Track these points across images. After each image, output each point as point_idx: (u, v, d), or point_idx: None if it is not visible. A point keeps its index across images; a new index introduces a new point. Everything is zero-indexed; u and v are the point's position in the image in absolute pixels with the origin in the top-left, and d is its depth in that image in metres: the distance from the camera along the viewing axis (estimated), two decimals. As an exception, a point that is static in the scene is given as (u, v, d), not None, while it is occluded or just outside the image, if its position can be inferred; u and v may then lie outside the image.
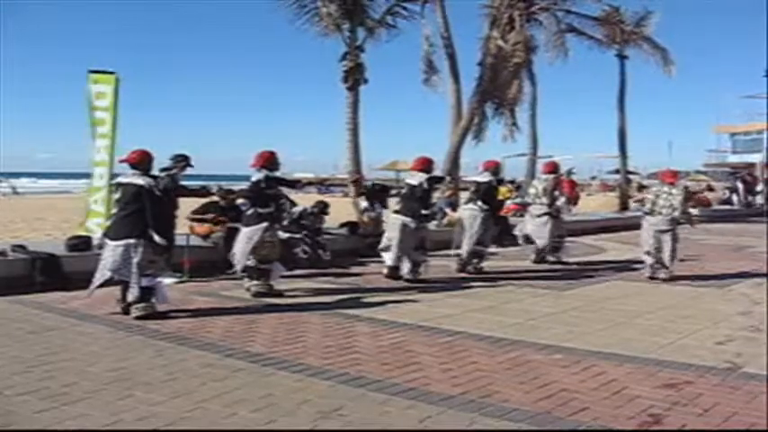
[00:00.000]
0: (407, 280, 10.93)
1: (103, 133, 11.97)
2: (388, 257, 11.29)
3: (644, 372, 6.17)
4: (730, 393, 5.59)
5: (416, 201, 11.17)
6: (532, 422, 4.92)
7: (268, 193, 9.88)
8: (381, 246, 11.42)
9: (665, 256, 11.56)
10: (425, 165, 11.53)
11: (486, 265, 12.52)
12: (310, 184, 71.22)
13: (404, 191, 11.49)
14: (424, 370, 6.17)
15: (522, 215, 18.39)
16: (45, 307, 8.78)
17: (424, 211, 11.30)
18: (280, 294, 9.69)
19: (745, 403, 5.34)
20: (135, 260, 8.17)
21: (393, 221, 11.38)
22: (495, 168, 12.88)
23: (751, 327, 8.04)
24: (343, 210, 16.98)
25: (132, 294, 8.16)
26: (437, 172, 12.19)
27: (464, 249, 12.29)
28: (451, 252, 12.59)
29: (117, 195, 8.63)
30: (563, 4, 26.64)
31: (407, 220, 11.09)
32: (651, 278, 11.54)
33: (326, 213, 13.82)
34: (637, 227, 20.92)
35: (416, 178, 11.31)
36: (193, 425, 4.81)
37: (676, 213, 11.57)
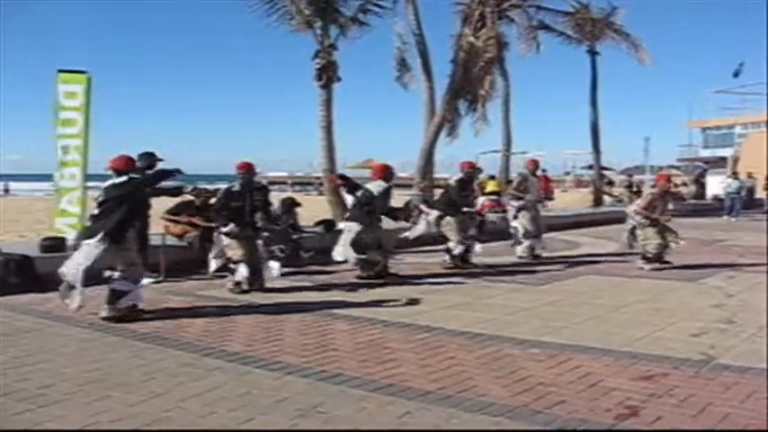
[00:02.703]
0: (363, 277, 11.09)
1: (74, 133, 11.90)
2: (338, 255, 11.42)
3: (620, 365, 6.22)
4: (705, 384, 5.65)
5: (365, 207, 11.31)
6: (510, 416, 4.95)
7: (235, 205, 10.10)
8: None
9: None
10: (385, 173, 11.65)
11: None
12: (284, 183, 71.38)
13: (359, 194, 11.58)
14: (402, 366, 6.19)
15: (497, 212, 18.55)
16: (19, 309, 8.72)
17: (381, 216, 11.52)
18: (247, 292, 9.87)
19: (720, 394, 5.40)
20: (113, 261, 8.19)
21: (346, 227, 11.50)
22: (468, 169, 13.00)
23: (724, 319, 8.13)
24: (318, 208, 16.98)
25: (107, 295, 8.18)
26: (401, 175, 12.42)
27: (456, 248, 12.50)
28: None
29: (101, 198, 8.42)
30: (533, 1, 26.84)
31: (352, 225, 11.23)
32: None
33: (297, 205, 13.85)
34: (610, 221, 21.14)
35: (376, 187, 11.39)
36: (172, 425, 4.79)
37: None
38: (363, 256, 11.06)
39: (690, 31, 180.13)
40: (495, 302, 9.26)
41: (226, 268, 10.19)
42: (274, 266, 10.35)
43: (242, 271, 9.94)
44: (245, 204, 10.09)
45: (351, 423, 4.82)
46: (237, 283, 9.96)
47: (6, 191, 62.60)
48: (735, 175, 29.36)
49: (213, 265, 10.35)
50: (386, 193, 11.38)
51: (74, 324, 7.88)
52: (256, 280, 10.08)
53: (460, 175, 12.89)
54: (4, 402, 5.22)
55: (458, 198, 12.68)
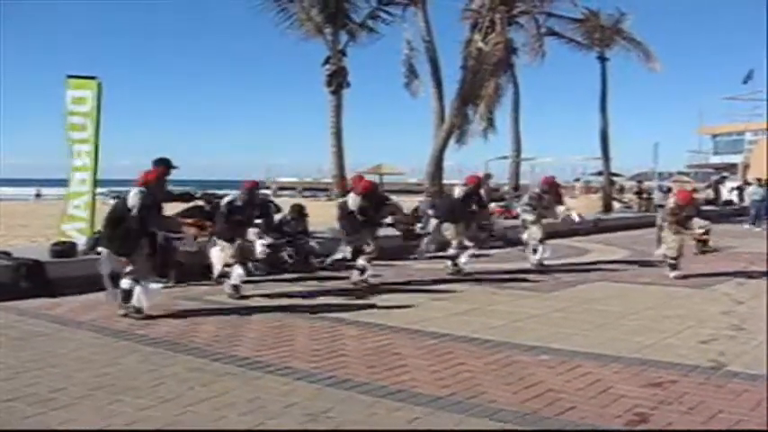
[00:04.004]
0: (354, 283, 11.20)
1: (83, 138, 11.94)
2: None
3: (629, 371, 6.21)
4: (715, 391, 5.64)
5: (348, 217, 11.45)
6: (520, 422, 4.95)
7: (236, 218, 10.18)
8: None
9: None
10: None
11: (472, 267, 12.62)
12: (293, 188, 71.52)
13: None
14: (411, 372, 6.19)
15: (506, 218, 18.53)
16: (31, 313, 8.74)
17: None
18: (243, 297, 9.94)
19: (730, 401, 5.39)
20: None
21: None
22: (473, 185, 12.92)
23: (733, 326, 8.11)
24: (327, 213, 16.96)
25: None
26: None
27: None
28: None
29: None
30: (543, 7, 26.82)
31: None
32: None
33: (305, 215, 13.84)
34: (620, 228, 21.10)
35: (352, 201, 11.56)
36: (181, 429, 4.81)
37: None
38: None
39: (700, 38, 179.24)
40: (503, 309, 9.26)
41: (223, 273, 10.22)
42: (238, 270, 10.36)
43: (238, 272, 9.96)
44: (244, 219, 10.17)
45: (360, 428, 4.83)
46: (235, 287, 10.00)
47: (38, 195, 63.62)
48: (760, 181, 28.20)
49: (217, 268, 10.39)
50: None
51: (84, 329, 7.91)
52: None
53: (465, 189, 12.78)
54: (15, 406, 5.25)
55: (459, 211, 12.65)
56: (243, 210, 10.21)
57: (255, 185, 10.64)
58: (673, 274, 11.97)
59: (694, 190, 41.03)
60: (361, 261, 11.21)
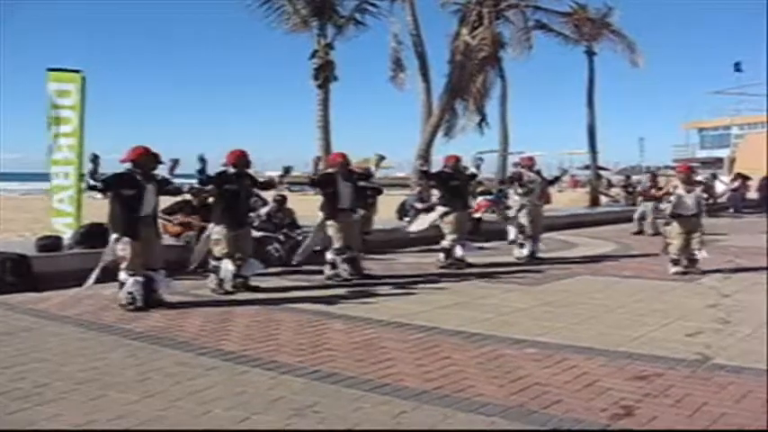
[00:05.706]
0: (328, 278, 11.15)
1: (68, 132, 11.85)
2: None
3: (616, 365, 6.22)
4: (701, 384, 5.66)
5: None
6: (506, 416, 4.95)
7: (228, 188, 9.95)
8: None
9: None
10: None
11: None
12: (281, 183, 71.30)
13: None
14: (398, 366, 6.19)
15: (493, 211, 18.54)
16: (16, 308, 8.71)
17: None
18: (230, 293, 9.82)
19: (715, 393, 5.41)
20: None
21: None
22: (454, 163, 12.92)
23: (719, 319, 8.14)
24: (315, 208, 16.95)
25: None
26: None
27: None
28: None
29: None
30: (530, 1, 26.82)
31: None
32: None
33: (285, 205, 13.70)
34: (606, 222, 21.14)
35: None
36: (167, 424, 4.79)
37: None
38: None
39: (686, 33, 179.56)
40: (490, 302, 9.26)
41: (205, 267, 10.21)
42: (254, 264, 10.23)
43: (227, 267, 9.84)
44: (241, 190, 10.05)
45: (346, 423, 4.82)
46: (221, 282, 9.88)
47: None
48: None
49: (195, 261, 10.56)
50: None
51: (70, 323, 7.88)
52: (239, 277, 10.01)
53: (446, 168, 12.83)
54: (0, 401, 5.22)
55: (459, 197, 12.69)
56: (238, 179, 10.01)
57: (244, 154, 10.12)
58: (673, 269, 11.83)
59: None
60: (329, 255, 11.15)
